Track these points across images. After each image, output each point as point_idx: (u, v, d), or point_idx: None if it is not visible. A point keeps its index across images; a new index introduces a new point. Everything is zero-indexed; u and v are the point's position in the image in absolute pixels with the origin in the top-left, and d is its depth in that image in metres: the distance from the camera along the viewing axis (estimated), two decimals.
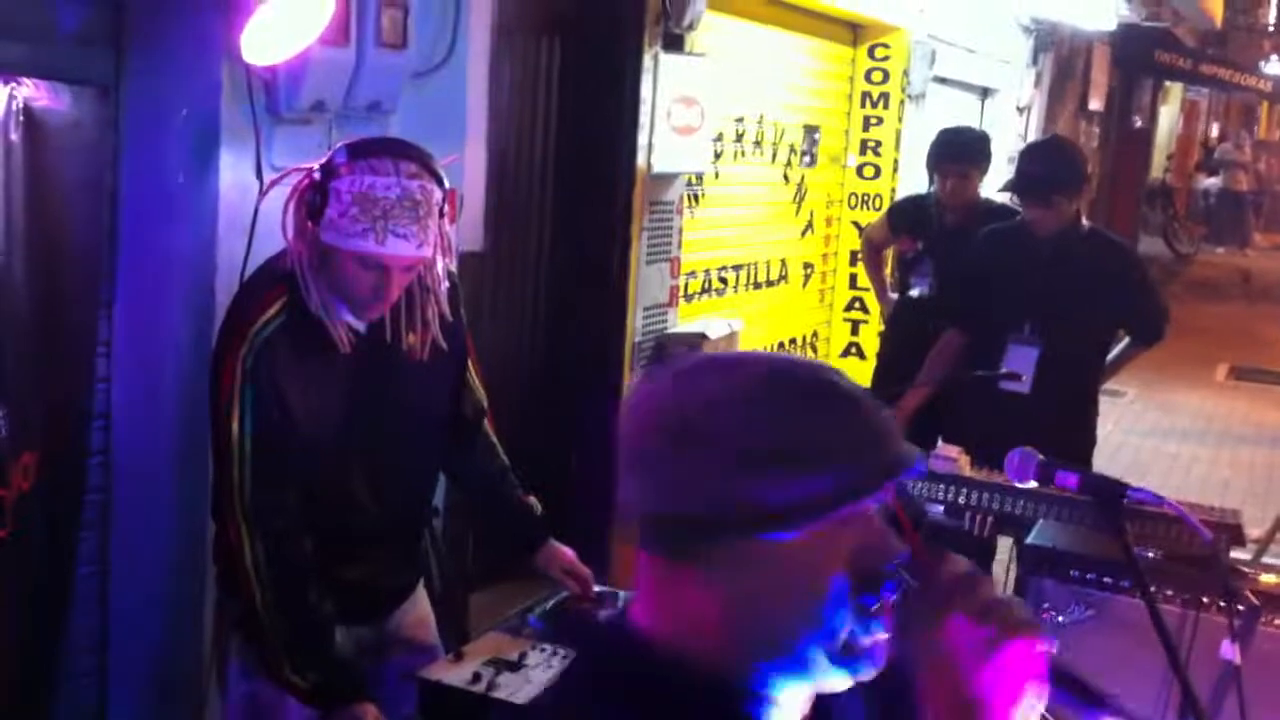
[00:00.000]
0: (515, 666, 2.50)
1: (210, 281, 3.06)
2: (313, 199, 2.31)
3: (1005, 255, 4.44)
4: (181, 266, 3.09)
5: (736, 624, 1.16)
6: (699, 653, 1.16)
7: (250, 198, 2.98)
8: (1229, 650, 2.29)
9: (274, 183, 2.57)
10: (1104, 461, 7.84)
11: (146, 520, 3.14)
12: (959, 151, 5.31)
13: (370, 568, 2.60)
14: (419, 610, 2.79)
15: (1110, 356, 4.72)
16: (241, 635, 2.44)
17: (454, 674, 2.47)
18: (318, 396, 2.41)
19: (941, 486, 3.33)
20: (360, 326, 2.44)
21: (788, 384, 1.18)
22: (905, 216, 5.68)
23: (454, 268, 2.59)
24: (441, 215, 2.37)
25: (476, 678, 2.44)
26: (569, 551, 2.88)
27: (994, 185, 5.58)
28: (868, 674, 1.18)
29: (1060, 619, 2.79)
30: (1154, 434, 9.68)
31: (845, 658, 1.17)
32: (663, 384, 1.21)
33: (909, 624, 1.16)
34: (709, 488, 1.13)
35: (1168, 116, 22.43)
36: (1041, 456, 2.21)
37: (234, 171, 3.06)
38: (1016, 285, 4.36)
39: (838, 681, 1.19)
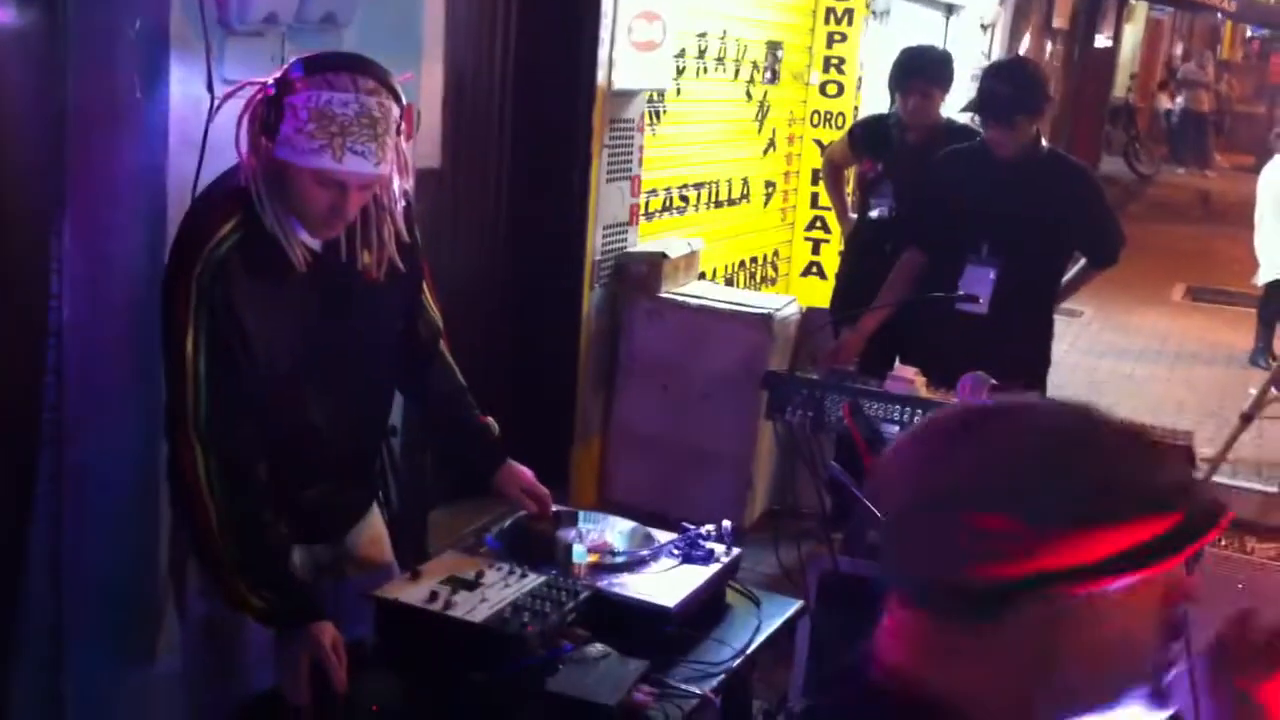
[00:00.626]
0: (472, 585, 2.50)
1: (162, 198, 3.01)
2: (267, 114, 2.27)
3: (963, 175, 4.44)
4: (132, 182, 3.04)
5: (1043, 681, 1.13)
6: (993, 713, 1.14)
7: (201, 112, 2.92)
8: None
9: (227, 96, 2.52)
10: (1060, 381, 7.91)
11: (100, 438, 3.12)
12: (921, 70, 5.28)
13: (326, 488, 2.59)
14: (374, 529, 2.80)
15: (1065, 278, 4.75)
16: (196, 557, 2.44)
17: (410, 592, 2.47)
18: (273, 317, 2.38)
19: (897, 407, 3.35)
20: (316, 245, 2.42)
21: (1072, 437, 1.15)
22: (866, 136, 5.66)
23: (410, 187, 2.56)
24: (399, 133, 2.34)
25: (433, 596, 2.45)
26: (527, 472, 2.88)
27: (957, 105, 5.56)
28: (1168, 711, 1.17)
29: None
30: (1110, 354, 9.77)
31: (1155, 700, 1.16)
32: (947, 443, 1.17)
33: (1218, 671, 1.18)
34: (1015, 549, 1.09)
35: (1131, 35, 22.36)
36: (994, 381, 2.23)
37: (184, 85, 3.00)
38: (974, 206, 4.36)
39: None
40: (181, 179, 2.94)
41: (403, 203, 2.50)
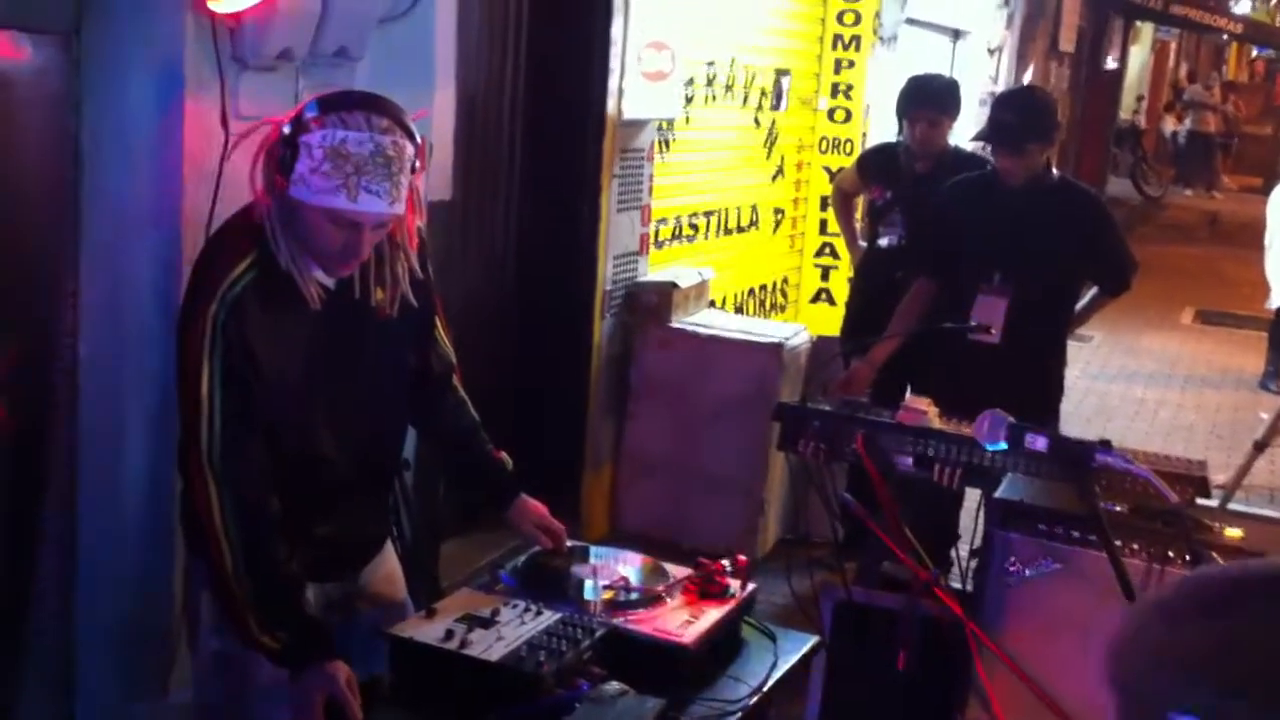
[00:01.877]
0: (488, 623, 2.49)
1: (176, 232, 3.02)
2: (282, 153, 2.27)
3: (974, 204, 4.44)
4: (147, 217, 3.05)
5: None
6: None
7: (215, 147, 2.94)
8: None
9: (243, 135, 2.53)
10: (1070, 406, 7.89)
11: (114, 470, 3.12)
12: (929, 98, 5.29)
13: (339, 524, 2.59)
14: (388, 566, 2.79)
15: (1078, 306, 4.74)
16: (210, 593, 2.43)
17: (426, 631, 2.46)
18: (286, 352, 2.38)
19: (910, 438, 3.34)
20: (330, 283, 2.42)
21: None
22: (875, 164, 5.67)
23: (424, 223, 2.56)
24: (414, 171, 2.34)
25: (449, 635, 2.44)
26: (541, 506, 2.87)
27: (964, 132, 5.57)
28: None
29: (1027, 572, 2.81)
30: (1120, 378, 9.76)
31: None
32: (1189, 627, 1.02)
33: None
34: None
35: (1138, 57, 22.41)
36: (1011, 419, 2.23)
37: (199, 120, 3.02)
38: (986, 235, 4.36)
39: None
40: (196, 213, 2.96)
41: (417, 240, 2.50)
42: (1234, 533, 2.81)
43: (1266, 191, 10.05)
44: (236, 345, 2.30)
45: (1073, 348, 5.14)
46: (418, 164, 2.37)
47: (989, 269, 4.33)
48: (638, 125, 5.28)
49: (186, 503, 2.39)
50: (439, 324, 2.74)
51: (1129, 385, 9.56)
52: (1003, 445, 2.12)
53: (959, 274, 4.39)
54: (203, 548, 2.35)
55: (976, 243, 4.36)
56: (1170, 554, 2.75)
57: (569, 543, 2.89)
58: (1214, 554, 2.47)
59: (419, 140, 2.36)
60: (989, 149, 4.52)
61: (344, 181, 2.23)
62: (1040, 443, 2.08)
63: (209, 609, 2.49)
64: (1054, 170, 4.45)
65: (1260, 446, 5.36)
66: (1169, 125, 23.12)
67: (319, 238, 2.31)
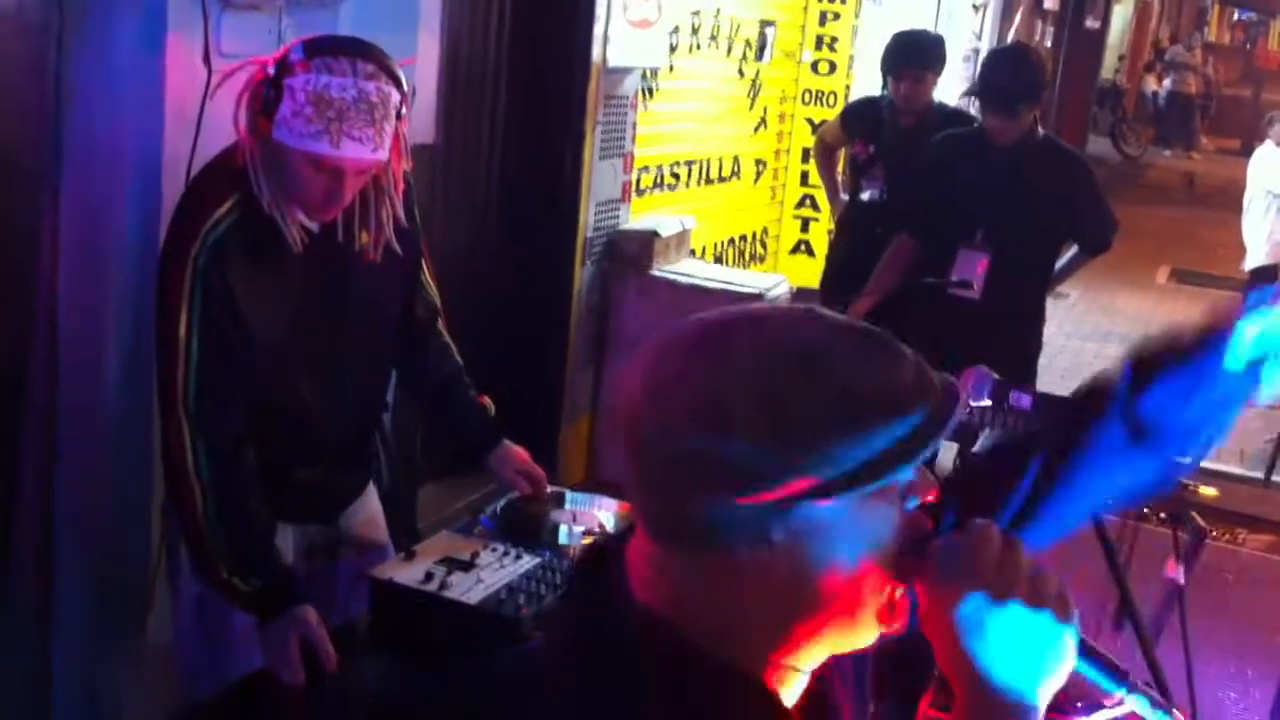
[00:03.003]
0: (467, 566, 2.50)
1: (156, 172, 2.99)
2: (266, 95, 2.25)
3: (961, 161, 4.44)
4: (127, 156, 3.02)
5: (776, 598, 1.09)
6: (724, 633, 1.10)
7: (197, 85, 2.90)
8: (1174, 571, 2.35)
9: (225, 75, 2.50)
10: (1045, 363, 7.91)
11: (91, 414, 3.11)
12: (914, 54, 5.27)
13: (321, 469, 2.59)
14: (369, 509, 2.80)
15: (1058, 264, 4.76)
16: (183, 538, 2.43)
17: (406, 573, 2.47)
18: (269, 298, 2.37)
19: None
20: (313, 226, 2.40)
21: (812, 348, 1.09)
22: (859, 119, 5.66)
23: (409, 169, 2.54)
24: (399, 117, 2.32)
25: (429, 577, 2.45)
26: (522, 452, 2.88)
27: (948, 87, 5.55)
28: (897, 630, 1.15)
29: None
30: (1095, 336, 9.81)
31: (886, 617, 1.14)
32: (684, 364, 1.09)
33: (936, 587, 1.11)
34: (753, 468, 1.04)
35: (1120, 17, 22.34)
36: (996, 376, 2.23)
37: (180, 58, 2.98)
38: (971, 192, 4.36)
39: (869, 639, 1.15)
40: (176, 154, 2.92)
41: (403, 185, 2.49)
42: (1209, 491, 2.83)
43: (1244, 154, 10.10)
44: (218, 288, 2.29)
45: (1049, 306, 5.16)
46: (404, 110, 2.35)
47: (972, 225, 4.34)
48: (622, 73, 5.25)
49: (163, 446, 2.39)
50: (425, 268, 2.73)
51: (1104, 343, 9.61)
52: (986, 402, 2.12)
53: (942, 229, 4.40)
54: (177, 492, 2.36)
55: (961, 199, 4.37)
56: (1145, 511, 2.77)
57: (548, 488, 2.90)
58: (1196, 519, 2.50)
59: (405, 87, 2.34)
60: (976, 105, 4.52)
61: (326, 127, 2.21)
62: (1025, 400, 2.09)
63: (188, 553, 2.50)
64: (1039, 129, 4.45)
65: None
66: (1150, 85, 23.12)
67: (301, 182, 2.29)
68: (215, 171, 2.41)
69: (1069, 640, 1.10)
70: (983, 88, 4.40)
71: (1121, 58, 23.03)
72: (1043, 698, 1.10)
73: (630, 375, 1.13)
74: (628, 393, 1.12)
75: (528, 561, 2.56)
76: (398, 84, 2.30)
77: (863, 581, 1.11)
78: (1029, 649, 1.09)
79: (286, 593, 2.36)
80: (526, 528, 2.77)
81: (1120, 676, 1.17)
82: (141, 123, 2.99)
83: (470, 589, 2.42)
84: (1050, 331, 9.37)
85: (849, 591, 1.10)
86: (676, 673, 1.09)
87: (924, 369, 1.11)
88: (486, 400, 2.87)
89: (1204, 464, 4.44)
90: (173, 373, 2.30)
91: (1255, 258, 9.44)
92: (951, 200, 4.39)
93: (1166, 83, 22.33)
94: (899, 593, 1.13)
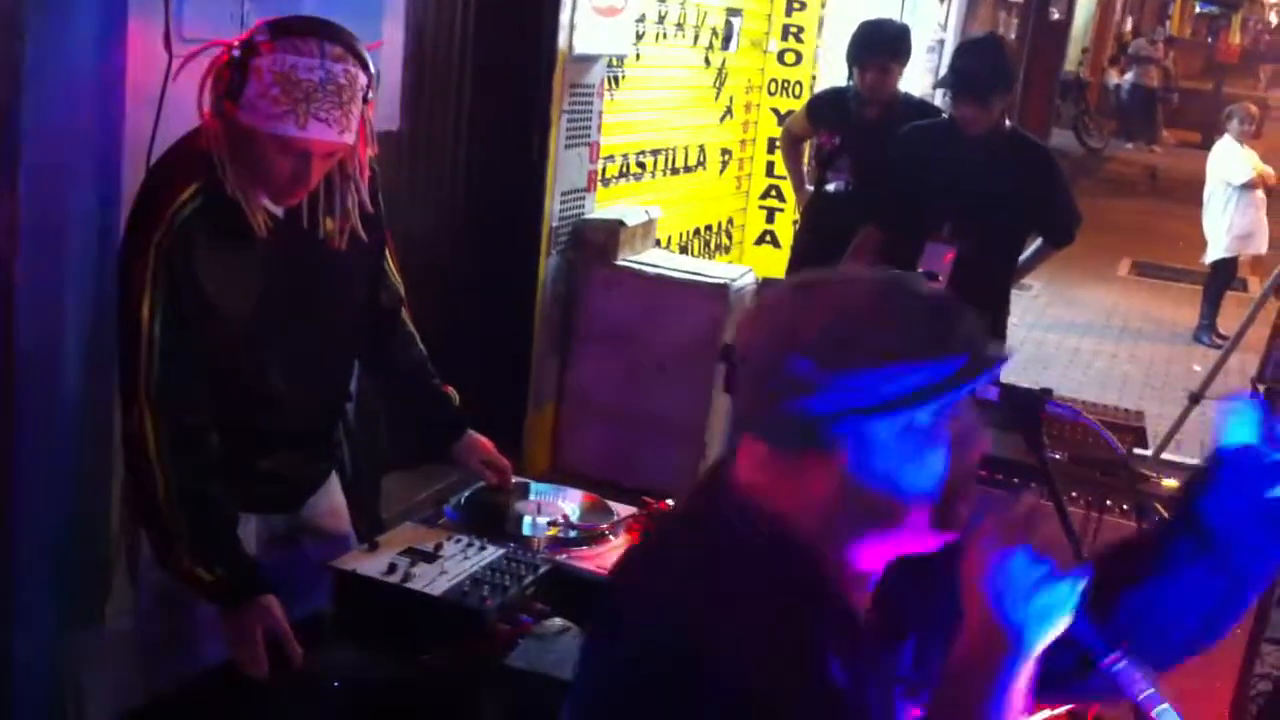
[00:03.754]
0: (431, 557, 2.49)
1: (117, 156, 2.95)
2: (232, 77, 2.22)
3: (932, 153, 4.44)
4: (87, 139, 2.98)
5: (852, 498, 1.35)
6: (807, 529, 1.37)
7: (158, 69, 2.86)
8: None
9: (189, 57, 2.47)
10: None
11: (51, 398, 3.07)
12: (880, 45, 5.27)
13: (285, 458, 2.56)
14: (332, 500, 2.77)
15: (1022, 257, 4.78)
16: (145, 527, 2.40)
17: (369, 564, 2.45)
18: (233, 283, 2.34)
19: None
20: (278, 212, 2.38)
21: (879, 299, 1.37)
22: (825, 109, 5.65)
23: (374, 154, 2.52)
24: (365, 101, 2.30)
25: (392, 568, 2.43)
26: (487, 442, 2.87)
27: (913, 78, 5.56)
28: (950, 539, 1.37)
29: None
30: (1057, 328, 9.87)
31: (941, 526, 1.37)
32: (778, 301, 1.42)
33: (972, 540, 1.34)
34: (810, 381, 1.32)
35: (1084, 9, 22.46)
36: None
37: (141, 42, 2.94)
38: (942, 184, 4.36)
39: (930, 544, 1.39)
40: (137, 138, 2.89)
41: (368, 172, 2.46)
42: (1171, 482, 2.86)
43: (1205, 147, 10.18)
44: (182, 274, 2.26)
45: (1012, 297, 5.18)
46: (370, 94, 2.33)
47: (940, 218, 4.34)
48: (589, 61, 5.23)
49: (125, 431, 2.36)
50: (389, 258, 2.71)
51: (1065, 335, 9.67)
52: None
53: (909, 222, 4.40)
54: (139, 478, 2.32)
55: (931, 191, 4.37)
56: (1109, 502, 2.79)
57: (514, 479, 2.89)
58: (1159, 509, 2.52)
59: (372, 70, 2.32)
60: (944, 96, 4.52)
61: (293, 108, 2.19)
62: (992, 392, 2.11)
63: (148, 541, 2.47)
64: (1007, 121, 4.46)
65: (1195, 398, 5.45)
66: (1112, 78, 23.25)
67: (267, 165, 2.27)
68: (178, 156, 2.38)
69: (1068, 596, 1.31)
70: (955, 77, 4.39)
71: (1085, 50, 23.16)
72: (1037, 641, 1.31)
73: (749, 314, 1.50)
74: (745, 325, 1.46)
75: (492, 553, 2.54)
76: (365, 67, 2.28)
77: (909, 502, 1.35)
78: (1033, 593, 1.30)
79: (251, 582, 2.34)
80: (491, 519, 2.76)
81: (1112, 645, 1.34)
82: (102, 106, 2.95)
83: (434, 580, 2.41)
84: (1013, 323, 9.39)
85: (896, 508, 1.36)
86: (756, 537, 1.38)
87: (975, 332, 1.37)
88: (451, 390, 2.85)
89: (1165, 455, 4.47)
90: (135, 358, 2.27)
91: (1215, 251, 9.53)
92: (921, 193, 4.39)
93: (1129, 76, 22.47)
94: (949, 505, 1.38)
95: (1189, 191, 11.85)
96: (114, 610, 3.08)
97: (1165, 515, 2.51)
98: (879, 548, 1.39)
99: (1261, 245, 9.46)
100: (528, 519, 2.77)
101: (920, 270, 4.07)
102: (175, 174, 2.32)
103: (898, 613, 1.48)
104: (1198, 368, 7.05)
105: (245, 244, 2.33)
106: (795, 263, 5.86)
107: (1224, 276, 9.63)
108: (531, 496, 2.89)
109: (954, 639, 1.34)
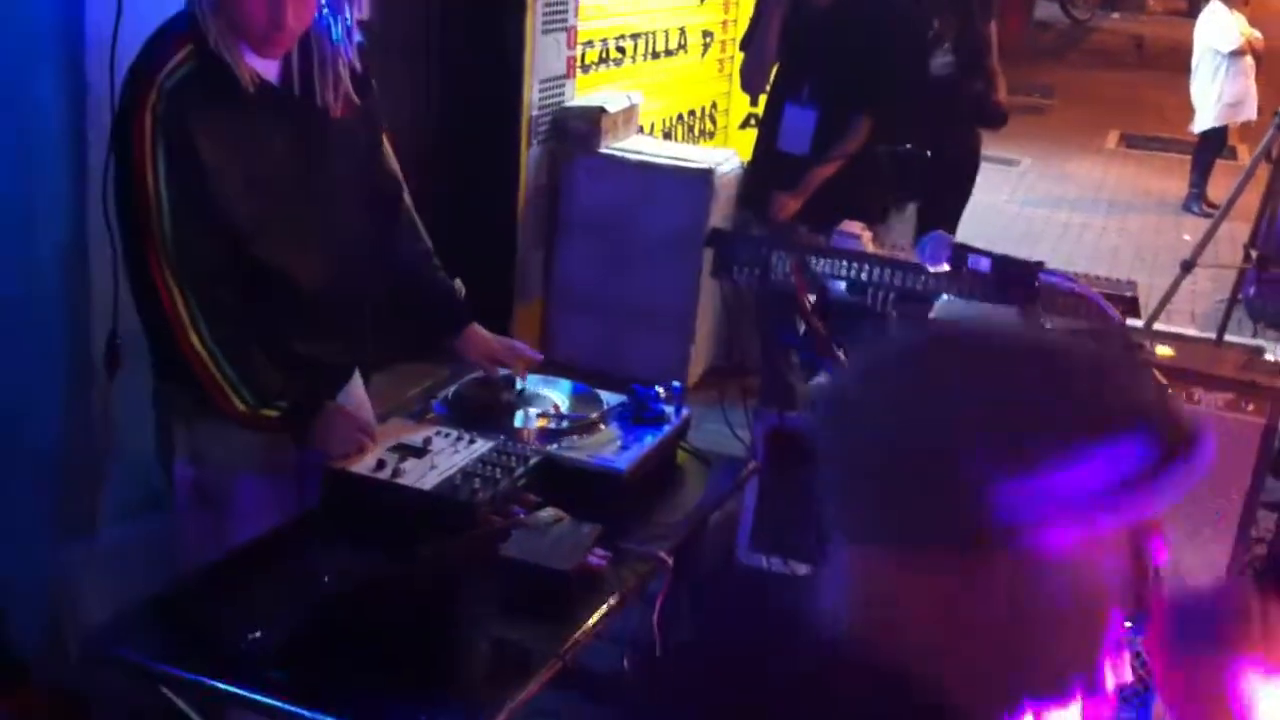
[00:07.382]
0: (420, 453, 2.47)
1: (80, 52, 2.87)
2: None
3: (790, 18, 4.45)
4: (47, 37, 2.90)
5: (1013, 640, 1.00)
6: (960, 675, 1.00)
7: None
8: None
9: None
10: (998, 231, 7.93)
11: (29, 307, 3.02)
12: None
13: (314, 345, 2.53)
14: (358, 393, 2.76)
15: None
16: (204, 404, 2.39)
17: (358, 461, 2.43)
18: (235, 153, 2.33)
19: (844, 262, 3.31)
20: (271, 77, 2.36)
21: (1057, 359, 1.01)
22: None
23: (364, 16, 2.48)
24: None
25: (381, 464, 2.41)
26: (490, 337, 2.85)
27: None
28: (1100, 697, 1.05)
29: None
30: (1046, 203, 9.80)
31: (1095, 687, 1.04)
32: (916, 379, 1.03)
33: (1179, 649, 1.08)
34: (1016, 485, 0.95)
35: None
36: (955, 240, 2.20)
37: None
38: (795, 48, 4.40)
39: (1072, 711, 1.05)
40: (99, 30, 2.81)
41: (358, 37, 2.47)
42: (1165, 350, 2.83)
43: (1192, 15, 10.02)
44: (180, 135, 2.26)
45: (999, 173, 5.12)
46: None
47: (799, 82, 4.37)
48: None
49: (151, 314, 2.35)
50: (384, 140, 2.68)
51: (1055, 210, 9.61)
52: (945, 267, 2.09)
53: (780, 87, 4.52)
54: (177, 352, 2.33)
55: (790, 55, 4.43)
56: None
57: (501, 372, 2.86)
58: (1157, 376, 2.50)
59: None
60: None
61: None
62: (984, 264, 2.06)
63: (183, 439, 2.48)
64: None
65: (1187, 266, 5.40)
66: None
67: (242, 10, 2.26)
68: (167, 31, 2.36)
69: None
70: None
71: None
72: None
73: (859, 388, 1.07)
74: (867, 405, 1.04)
75: (481, 446, 2.52)
76: None
77: (1081, 630, 1.01)
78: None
79: (313, 398, 2.44)
80: (480, 412, 2.73)
81: None
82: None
83: (424, 475, 2.39)
84: (1002, 199, 9.39)
85: (1066, 636, 1.01)
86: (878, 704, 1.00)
87: (1164, 393, 1.04)
88: (458, 282, 2.82)
89: (1158, 325, 4.44)
90: (148, 227, 2.27)
91: (1204, 120, 9.43)
92: (785, 57, 4.49)
93: None
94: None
95: (1175, 61, 11.69)
96: (102, 519, 3.08)
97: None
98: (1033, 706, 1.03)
99: (1251, 112, 9.35)
100: (518, 411, 2.74)
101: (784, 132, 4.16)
102: (165, 45, 2.32)
103: None
104: (1188, 237, 7.00)
105: (242, 110, 2.33)
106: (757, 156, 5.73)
107: (1214, 145, 9.54)
108: (520, 388, 2.86)
109: None
